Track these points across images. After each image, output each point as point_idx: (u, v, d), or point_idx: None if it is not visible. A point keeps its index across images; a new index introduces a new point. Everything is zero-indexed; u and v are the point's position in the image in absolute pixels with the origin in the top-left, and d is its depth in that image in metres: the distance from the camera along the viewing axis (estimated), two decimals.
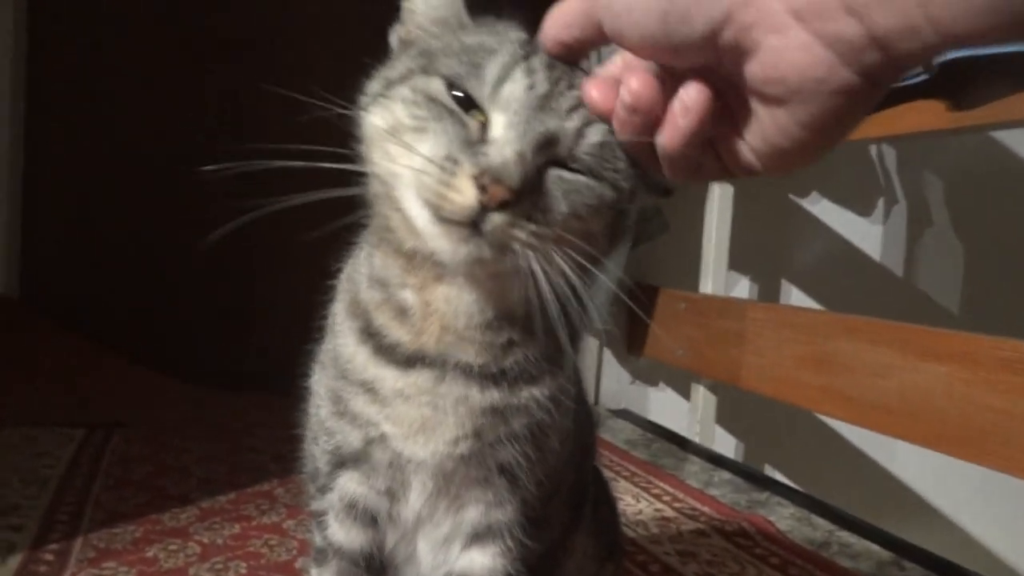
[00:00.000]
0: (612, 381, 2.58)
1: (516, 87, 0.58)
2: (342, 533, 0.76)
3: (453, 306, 0.65)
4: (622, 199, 0.63)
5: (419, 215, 0.58)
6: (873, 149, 2.69)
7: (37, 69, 2.33)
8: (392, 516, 0.75)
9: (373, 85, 0.65)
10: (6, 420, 1.82)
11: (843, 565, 1.35)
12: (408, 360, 0.67)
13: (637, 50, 0.55)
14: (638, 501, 1.61)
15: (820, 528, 1.54)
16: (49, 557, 1.16)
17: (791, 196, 2.70)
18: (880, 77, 0.50)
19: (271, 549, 1.24)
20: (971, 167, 2.70)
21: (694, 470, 1.94)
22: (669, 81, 0.56)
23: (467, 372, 0.66)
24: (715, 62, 0.53)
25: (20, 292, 2.27)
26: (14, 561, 1.14)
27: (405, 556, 0.78)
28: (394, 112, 0.60)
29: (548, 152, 0.59)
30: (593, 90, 0.59)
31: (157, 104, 2.31)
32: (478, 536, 0.74)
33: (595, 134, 0.60)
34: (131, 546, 1.22)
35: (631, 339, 2.53)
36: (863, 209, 2.77)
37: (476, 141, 0.57)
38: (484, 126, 0.58)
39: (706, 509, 1.58)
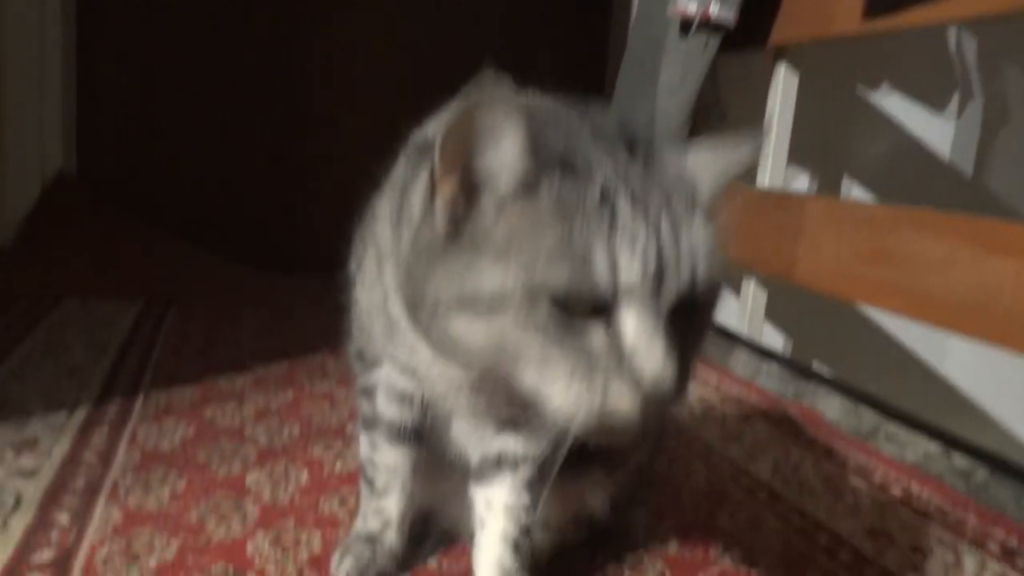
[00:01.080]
0: None
1: (633, 265, 0.50)
2: (391, 409, 0.78)
3: None
4: None
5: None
6: (952, 39, 2.53)
7: None
8: (434, 407, 0.76)
9: (441, 291, 0.53)
10: (67, 292, 1.89)
11: (888, 453, 1.34)
12: None
13: None
14: None
15: (867, 419, 1.53)
16: (112, 412, 1.21)
17: (859, 87, 2.57)
18: None
19: (323, 414, 1.28)
20: None
21: (741, 362, 1.93)
22: None
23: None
24: None
25: (78, 170, 2.30)
26: (80, 414, 1.19)
27: (446, 436, 0.79)
28: (495, 336, 0.51)
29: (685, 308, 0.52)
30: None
31: None
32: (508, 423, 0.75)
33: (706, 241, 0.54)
34: (189, 406, 1.27)
35: None
36: (936, 104, 2.63)
37: (610, 350, 0.50)
38: (608, 323, 0.51)
39: (751, 397, 1.57)
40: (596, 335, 0.50)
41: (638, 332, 0.50)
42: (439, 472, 0.82)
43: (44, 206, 2.21)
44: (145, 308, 1.85)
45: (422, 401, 0.75)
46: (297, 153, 2.40)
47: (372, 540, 0.82)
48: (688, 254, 0.52)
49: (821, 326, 2.52)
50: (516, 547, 0.77)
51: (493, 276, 0.51)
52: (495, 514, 0.76)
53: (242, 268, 2.25)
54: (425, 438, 0.79)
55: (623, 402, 0.50)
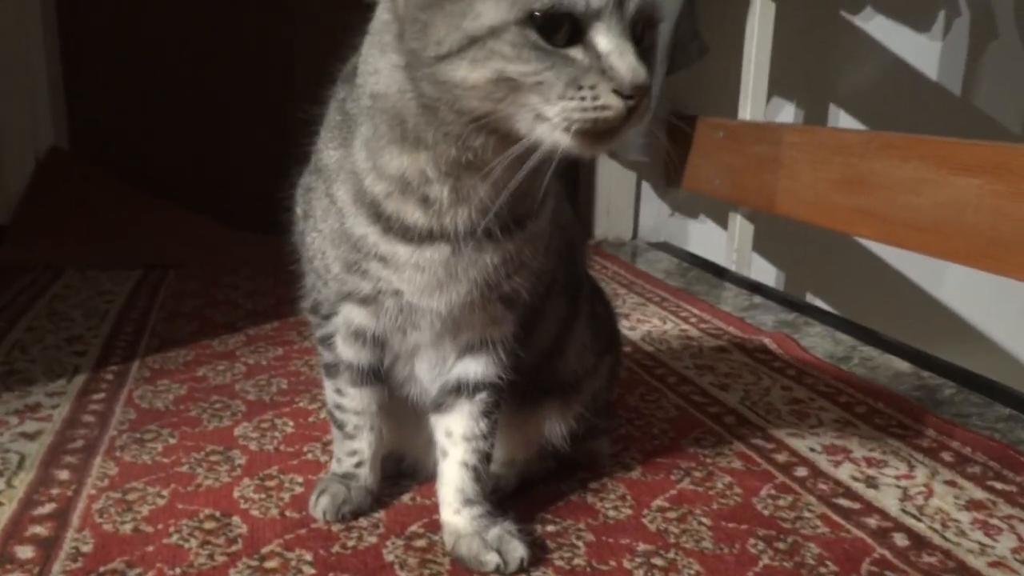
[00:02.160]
0: (651, 214, 2.58)
1: None
2: (350, 352, 0.83)
3: (488, 195, 0.69)
4: None
5: (560, 138, 0.60)
6: None
7: None
8: (394, 342, 0.81)
9: (447, 38, 0.60)
10: (68, 264, 1.95)
11: (860, 376, 1.38)
12: (422, 237, 0.71)
13: None
14: (664, 323, 1.66)
15: (843, 343, 1.57)
16: (109, 376, 1.27)
17: (842, 13, 2.55)
18: None
19: (310, 368, 1.33)
20: None
21: (729, 296, 1.97)
22: None
23: (483, 239, 0.71)
24: None
25: (70, 143, 2.34)
26: (79, 380, 1.25)
27: (405, 374, 0.85)
28: (497, 68, 0.59)
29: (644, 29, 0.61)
30: None
31: None
32: (472, 347, 0.81)
33: None
34: (183, 367, 1.33)
35: (669, 171, 2.50)
36: (921, 24, 2.60)
37: (591, 63, 0.58)
38: (584, 43, 0.58)
39: (731, 329, 1.61)
40: (577, 54, 0.58)
41: (611, 42, 0.58)
42: (403, 412, 0.87)
43: (40, 181, 2.26)
44: (143, 275, 1.91)
45: (380, 338, 0.80)
46: (289, 115, 2.42)
47: (347, 478, 0.88)
48: None
49: (815, 257, 2.54)
50: (476, 473, 0.82)
51: (488, 12, 0.58)
52: (455, 442, 0.82)
53: (237, 231, 2.30)
54: (387, 378, 0.85)
55: (611, 99, 0.58)
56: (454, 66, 0.59)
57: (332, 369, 0.85)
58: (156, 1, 2.33)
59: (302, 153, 0.82)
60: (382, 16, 0.68)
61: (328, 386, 0.87)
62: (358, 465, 0.88)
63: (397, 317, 0.77)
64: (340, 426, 0.88)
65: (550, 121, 0.59)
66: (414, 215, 0.71)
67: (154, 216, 2.28)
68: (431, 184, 0.69)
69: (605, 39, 0.58)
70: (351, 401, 0.86)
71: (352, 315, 0.80)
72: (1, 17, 2.19)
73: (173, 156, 2.41)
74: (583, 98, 0.58)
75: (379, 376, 0.84)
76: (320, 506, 0.86)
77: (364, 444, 0.88)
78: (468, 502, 0.82)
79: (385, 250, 0.73)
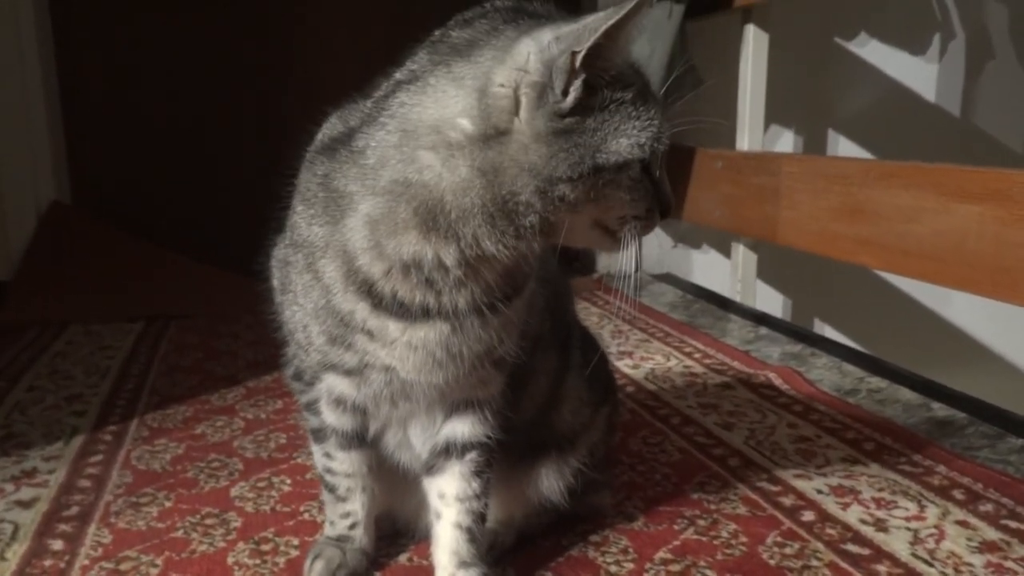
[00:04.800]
0: (653, 246, 2.57)
1: (664, 130, 0.69)
2: (334, 418, 0.82)
3: (497, 274, 0.71)
4: None
5: (613, 245, 0.71)
6: None
7: None
8: (382, 411, 0.80)
9: (573, 164, 0.65)
10: (71, 319, 1.95)
11: (868, 409, 1.36)
12: (417, 315, 0.70)
13: None
14: (668, 359, 1.64)
15: (850, 375, 1.55)
16: (107, 437, 1.26)
17: (836, 39, 2.55)
18: None
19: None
20: None
21: (734, 328, 1.95)
22: None
23: (481, 312, 0.71)
24: None
25: (72, 195, 2.36)
26: (76, 442, 1.24)
27: (397, 441, 0.83)
28: (609, 194, 0.67)
29: None
30: None
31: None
32: (458, 408, 0.79)
33: None
34: (181, 424, 1.32)
35: None
36: (917, 47, 2.60)
37: (651, 191, 0.70)
38: (650, 175, 0.69)
39: (736, 364, 1.59)
40: (649, 185, 0.69)
41: (661, 174, 0.70)
42: (394, 473, 0.86)
43: (42, 236, 2.27)
44: (145, 328, 1.91)
45: (362, 407, 0.79)
46: (287, 163, 2.43)
47: (342, 541, 0.87)
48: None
49: (821, 284, 2.52)
50: (471, 534, 0.80)
51: (622, 150, 0.66)
52: (448, 503, 0.80)
53: (239, 279, 2.30)
54: (376, 443, 0.83)
55: (657, 219, 0.71)
56: (573, 186, 0.65)
57: (319, 434, 0.84)
58: (157, 55, 2.36)
59: (276, 222, 0.81)
60: (445, 114, 0.66)
61: (316, 450, 0.86)
62: (352, 527, 0.87)
63: (384, 389, 0.76)
64: (332, 489, 0.86)
65: (616, 232, 0.70)
66: (412, 294, 0.70)
67: (156, 267, 2.29)
68: (444, 270, 0.69)
69: (657, 171, 0.70)
70: (341, 464, 0.84)
71: (335, 386, 0.79)
72: (1, 72, 2.22)
73: (174, 206, 2.43)
74: (648, 219, 0.70)
75: (366, 439, 0.83)
76: (315, 571, 0.85)
77: (357, 505, 0.86)
78: (463, 564, 0.80)
79: (374, 325, 0.71)
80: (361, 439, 0.83)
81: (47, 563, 0.90)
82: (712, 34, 2.31)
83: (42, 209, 2.30)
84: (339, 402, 0.80)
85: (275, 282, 0.82)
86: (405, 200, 0.67)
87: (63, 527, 0.98)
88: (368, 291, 0.70)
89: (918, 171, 1.54)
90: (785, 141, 2.57)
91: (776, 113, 2.37)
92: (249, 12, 2.39)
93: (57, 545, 0.94)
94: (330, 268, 0.72)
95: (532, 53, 0.63)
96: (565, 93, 0.63)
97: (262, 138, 2.40)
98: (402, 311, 0.70)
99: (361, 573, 0.87)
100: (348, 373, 0.77)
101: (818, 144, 2.60)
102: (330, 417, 0.81)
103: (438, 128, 0.65)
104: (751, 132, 2.17)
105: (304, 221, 0.74)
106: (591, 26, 0.62)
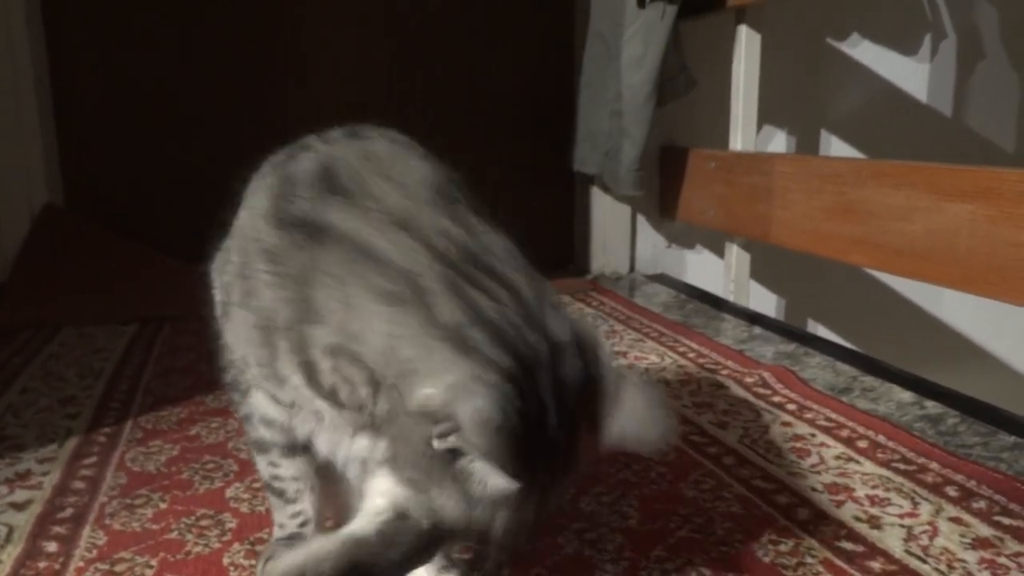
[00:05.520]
0: (647, 246, 2.58)
1: None
2: (270, 434, 0.80)
3: None
4: None
5: None
6: None
7: None
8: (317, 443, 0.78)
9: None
10: (64, 321, 1.94)
11: (862, 407, 1.36)
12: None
13: None
14: (662, 359, 1.64)
15: (843, 374, 1.55)
16: (101, 439, 1.26)
17: (828, 40, 2.57)
18: None
19: None
20: None
21: (728, 328, 1.96)
22: None
23: None
24: None
25: (65, 197, 2.36)
26: (71, 444, 1.24)
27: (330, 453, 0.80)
28: None
29: None
30: None
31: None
32: None
33: None
34: (176, 426, 1.32)
35: (664, 203, 2.50)
36: (908, 48, 2.62)
37: None
38: None
39: (730, 363, 1.60)
40: None
41: None
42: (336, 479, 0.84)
43: (35, 238, 2.26)
44: (139, 330, 1.90)
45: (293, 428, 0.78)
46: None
47: (293, 540, 0.86)
48: None
49: (814, 284, 2.53)
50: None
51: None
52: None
53: None
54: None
55: None
56: None
57: (261, 446, 0.82)
58: (152, 56, 2.36)
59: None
60: None
61: (260, 460, 0.83)
62: (303, 524, 0.86)
63: (316, 428, 0.75)
64: (280, 494, 0.84)
65: None
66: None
67: (149, 269, 2.28)
68: None
69: None
70: (287, 471, 0.82)
71: (265, 408, 0.77)
72: None
73: (168, 208, 2.42)
74: None
75: (308, 449, 0.81)
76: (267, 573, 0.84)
77: (307, 504, 0.85)
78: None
79: (310, 397, 0.71)
80: (304, 448, 0.81)
81: (41, 565, 0.90)
82: (705, 35, 2.32)
83: (35, 211, 2.30)
84: (268, 422, 0.79)
85: (216, 291, 0.80)
86: None
87: (57, 529, 0.98)
88: (309, 374, 0.70)
89: (910, 170, 1.55)
90: (778, 141, 2.58)
91: (769, 114, 2.38)
92: (247, 13, 2.38)
93: (51, 547, 0.93)
94: (284, 353, 0.70)
95: None
96: None
97: (258, 140, 2.38)
98: (336, 398, 0.69)
99: None
100: (279, 403, 0.76)
101: (811, 144, 2.61)
102: (266, 433, 0.80)
103: None
104: (744, 132, 2.17)
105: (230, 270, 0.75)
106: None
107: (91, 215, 2.36)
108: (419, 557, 0.64)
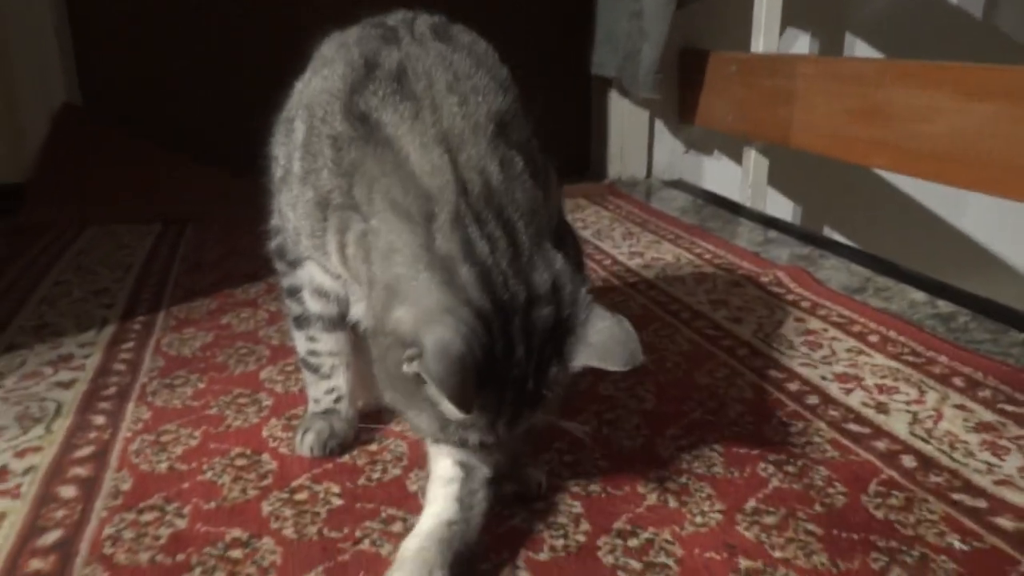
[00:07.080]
0: (665, 152, 2.57)
1: None
2: (319, 307, 0.85)
3: None
4: None
5: None
6: None
7: None
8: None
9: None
10: (89, 220, 1.98)
11: (874, 306, 1.39)
12: None
13: None
14: (679, 260, 1.67)
15: (858, 275, 1.58)
16: (137, 327, 1.31)
17: None
18: None
19: None
20: None
21: (744, 231, 1.97)
22: None
23: None
24: None
25: (83, 99, 2.36)
26: (108, 330, 1.29)
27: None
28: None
29: None
30: None
31: None
32: None
33: None
34: (207, 316, 1.36)
35: (683, 107, 2.47)
36: None
37: None
38: None
39: (745, 264, 1.62)
40: None
41: None
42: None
43: (56, 138, 2.27)
44: (163, 230, 1.94)
45: (347, 299, 0.83)
46: (300, 61, 2.40)
47: (328, 414, 0.91)
48: None
49: (832, 190, 2.53)
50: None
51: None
52: None
53: (253, 181, 2.31)
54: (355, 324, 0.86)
55: None
56: None
57: (302, 321, 0.87)
58: None
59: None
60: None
61: (299, 336, 0.89)
62: (337, 400, 0.91)
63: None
64: (315, 369, 0.90)
65: None
66: None
67: (170, 170, 2.30)
68: None
69: None
70: (325, 345, 0.88)
71: (316, 275, 0.83)
72: None
73: (186, 107, 2.41)
74: None
75: (347, 321, 0.86)
76: (306, 443, 0.89)
77: (342, 380, 0.90)
78: None
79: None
80: (344, 321, 0.86)
81: (91, 435, 0.95)
82: None
83: (55, 111, 2.30)
84: (322, 293, 0.83)
85: (277, 152, 0.84)
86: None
87: (103, 404, 1.03)
88: None
89: (936, 70, 1.53)
90: (801, 44, 2.53)
91: (793, 15, 2.32)
92: None
93: (99, 420, 0.99)
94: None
95: None
96: None
97: (282, 36, 2.36)
98: None
99: (349, 441, 0.92)
100: (328, 272, 0.80)
101: (835, 47, 2.56)
102: (315, 306, 0.85)
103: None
104: (767, 34, 2.13)
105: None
106: None
107: (109, 115, 2.36)
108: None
